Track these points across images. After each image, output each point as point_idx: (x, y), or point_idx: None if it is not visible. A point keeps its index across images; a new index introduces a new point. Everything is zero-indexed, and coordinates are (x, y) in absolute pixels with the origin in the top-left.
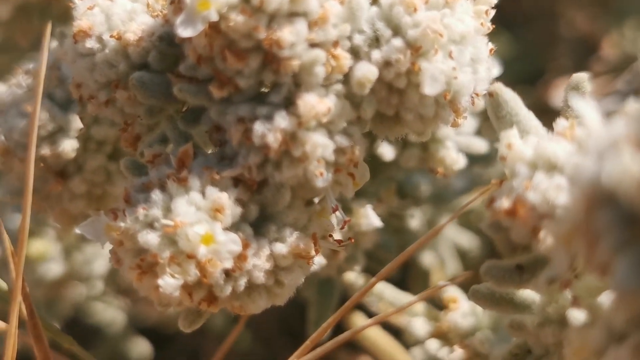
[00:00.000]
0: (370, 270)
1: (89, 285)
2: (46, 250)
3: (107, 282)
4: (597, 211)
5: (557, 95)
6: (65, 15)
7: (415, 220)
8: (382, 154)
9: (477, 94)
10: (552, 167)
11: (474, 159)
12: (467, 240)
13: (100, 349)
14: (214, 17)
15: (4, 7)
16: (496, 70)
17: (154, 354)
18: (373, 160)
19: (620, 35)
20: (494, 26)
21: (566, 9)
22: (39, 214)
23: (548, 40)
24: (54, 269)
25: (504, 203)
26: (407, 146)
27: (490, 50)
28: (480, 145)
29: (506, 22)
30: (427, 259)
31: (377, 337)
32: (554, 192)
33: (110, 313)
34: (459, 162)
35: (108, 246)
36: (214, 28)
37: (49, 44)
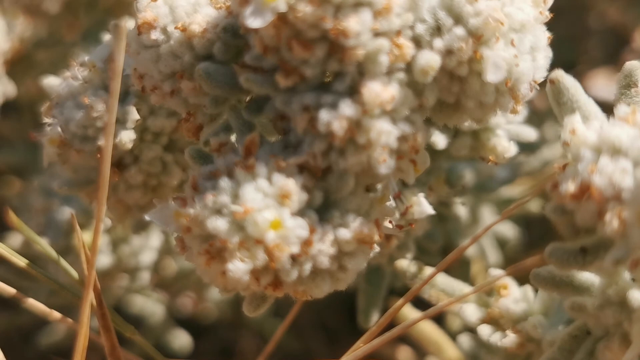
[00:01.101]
0: (416, 259)
1: (135, 277)
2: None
3: (151, 275)
4: None
5: (589, 86)
6: (112, 11)
7: (463, 208)
8: (434, 142)
9: (535, 82)
10: (616, 151)
11: (521, 148)
12: (506, 230)
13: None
14: (283, 8)
15: (53, 2)
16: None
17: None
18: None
19: None
20: (552, 14)
21: (597, 1)
22: (91, 204)
23: (579, 33)
24: (103, 260)
25: (570, 186)
26: (458, 135)
27: (548, 39)
28: (530, 134)
29: None
30: (469, 248)
31: (421, 325)
32: (620, 175)
33: (151, 306)
34: (510, 150)
35: (155, 239)
36: (281, 19)
37: (104, 37)
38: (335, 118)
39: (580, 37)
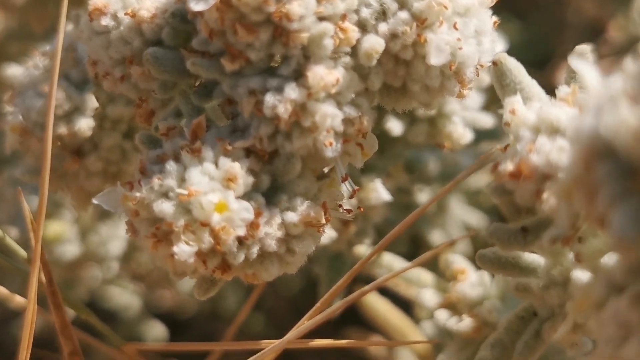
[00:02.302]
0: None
1: (104, 266)
2: (63, 232)
3: (122, 268)
4: (596, 164)
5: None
6: (80, 1)
7: (424, 194)
8: (390, 129)
9: (481, 65)
10: (554, 131)
11: (481, 135)
12: (476, 219)
13: (116, 332)
14: None
15: None
16: (501, 45)
17: (169, 339)
18: (382, 135)
19: (626, 18)
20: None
21: None
22: (56, 193)
23: (556, 26)
24: (71, 250)
25: (508, 166)
26: (415, 121)
27: (494, 23)
28: (486, 120)
29: (516, 10)
30: (437, 238)
31: (389, 313)
32: (557, 154)
33: (126, 297)
34: (466, 136)
35: (123, 228)
36: (225, 2)
37: (65, 27)
38: (281, 101)
39: (557, 30)
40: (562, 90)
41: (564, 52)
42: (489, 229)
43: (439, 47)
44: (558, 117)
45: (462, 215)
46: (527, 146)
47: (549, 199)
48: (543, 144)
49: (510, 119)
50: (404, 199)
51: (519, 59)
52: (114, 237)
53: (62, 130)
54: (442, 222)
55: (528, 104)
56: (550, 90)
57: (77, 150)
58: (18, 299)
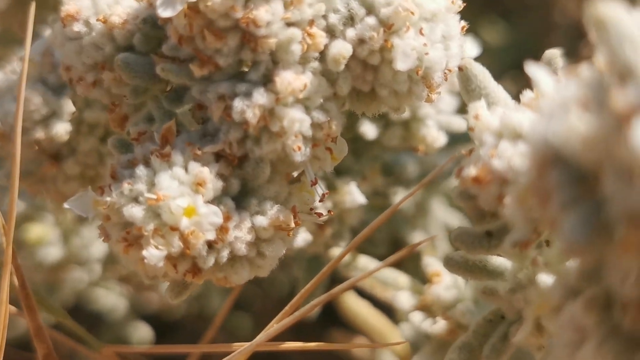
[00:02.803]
0: (360, 250)
1: (87, 269)
2: (45, 235)
3: (107, 269)
4: (547, 170)
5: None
6: (59, 5)
7: (398, 197)
8: (364, 132)
9: (449, 70)
10: (516, 136)
11: (457, 139)
12: (457, 221)
13: (101, 335)
14: None
15: None
16: (475, 50)
17: (156, 341)
18: (357, 139)
19: None
20: (465, 4)
21: None
22: (35, 197)
23: (543, 27)
24: (53, 253)
25: (472, 171)
26: (389, 125)
27: (462, 28)
28: (460, 124)
29: (502, 11)
30: (418, 239)
31: (368, 315)
32: (518, 159)
33: (112, 299)
34: (440, 139)
35: None
36: (193, 8)
37: (44, 32)
38: (249, 106)
39: (544, 32)
40: (526, 95)
41: None
42: (453, 232)
43: (405, 52)
44: (520, 122)
45: (444, 216)
46: (489, 151)
47: (510, 204)
48: (505, 149)
49: (474, 124)
50: (380, 202)
51: (505, 60)
52: (96, 240)
53: (40, 134)
54: (424, 224)
55: (492, 109)
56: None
57: (54, 155)
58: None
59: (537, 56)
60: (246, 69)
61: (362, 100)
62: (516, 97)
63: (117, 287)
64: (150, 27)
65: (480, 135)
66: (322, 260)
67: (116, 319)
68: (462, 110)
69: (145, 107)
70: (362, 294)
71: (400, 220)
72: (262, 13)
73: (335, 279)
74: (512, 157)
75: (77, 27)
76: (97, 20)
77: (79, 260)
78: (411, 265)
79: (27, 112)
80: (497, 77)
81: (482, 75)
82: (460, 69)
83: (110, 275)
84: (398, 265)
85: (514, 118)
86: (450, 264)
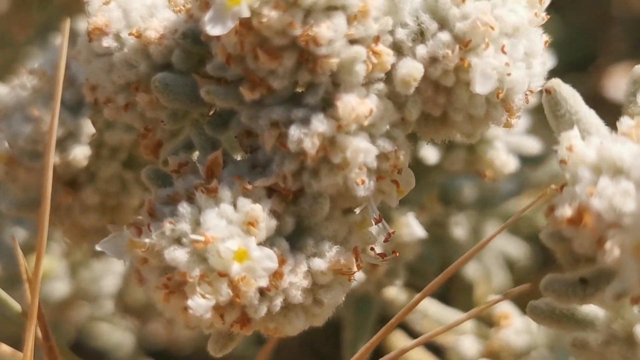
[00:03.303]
0: (411, 285)
1: (97, 305)
2: (51, 268)
3: (115, 302)
4: None
5: (611, 85)
6: (68, 7)
7: (460, 228)
8: (424, 157)
9: (531, 91)
10: (617, 171)
11: (524, 160)
12: (515, 248)
13: None
14: (246, 13)
15: None
16: (550, 62)
17: None
18: (415, 164)
19: None
20: (549, 16)
21: None
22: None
23: (600, 22)
24: (60, 288)
25: (567, 211)
26: (452, 148)
27: (545, 43)
28: (532, 146)
29: (554, 4)
30: (471, 269)
31: (419, 357)
32: (621, 198)
33: (118, 335)
34: (510, 164)
35: (118, 263)
36: (245, 25)
37: (55, 40)
38: (307, 135)
39: (601, 27)
40: (625, 123)
41: (610, 52)
42: (543, 281)
43: (484, 73)
44: (621, 156)
45: (501, 244)
46: (587, 189)
47: (613, 250)
48: (605, 187)
49: (567, 157)
50: (438, 232)
51: (558, 60)
52: (108, 273)
53: (55, 159)
54: (478, 253)
55: (586, 139)
56: (595, 97)
57: (71, 182)
58: (4, 348)
59: (594, 55)
60: (300, 90)
61: (431, 125)
62: None
63: (122, 322)
64: (191, 42)
65: (574, 169)
66: (372, 300)
67: (122, 356)
68: (533, 130)
69: (182, 132)
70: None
71: (454, 251)
72: (323, 30)
73: (383, 316)
74: (614, 196)
75: (107, 42)
76: (130, 34)
77: (88, 296)
78: (462, 298)
79: (39, 133)
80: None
81: (573, 98)
82: (547, 91)
83: (116, 308)
84: (448, 300)
85: (614, 150)
86: (535, 313)
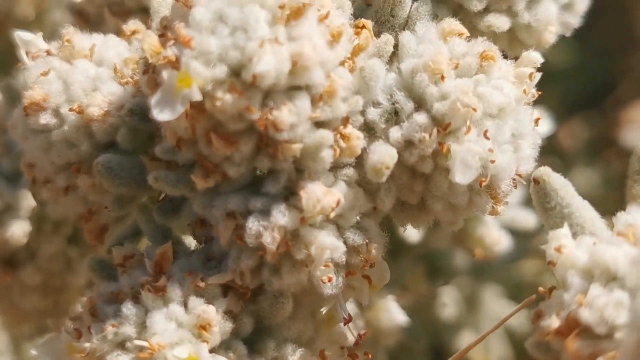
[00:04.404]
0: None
1: None
2: None
3: None
4: None
5: (630, 128)
6: (7, 55)
7: (448, 309)
8: (405, 235)
9: (520, 175)
10: (611, 278)
11: (523, 237)
12: (516, 316)
13: None
14: (197, 97)
15: None
16: (547, 126)
17: None
18: (394, 242)
19: None
20: (540, 93)
21: None
22: None
23: (621, 44)
24: None
25: (554, 322)
26: (437, 225)
27: (536, 121)
28: (528, 220)
29: None
30: (467, 339)
31: None
32: (614, 310)
33: None
34: (502, 242)
35: None
36: (196, 107)
37: None
38: (267, 228)
39: (623, 50)
40: (621, 220)
41: (631, 80)
42: None
43: (465, 161)
44: (615, 260)
45: (498, 310)
46: (576, 297)
47: None
48: (596, 296)
49: (556, 258)
50: (424, 314)
51: (570, 89)
52: None
53: None
54: (474, 321)
55: (578, 239)
56: (609, 139)
57: (8, 260)
58: None
59: (613, 83)
60: (261, 172)
61: (408, 212)
62: (592, 146)
63: None
64: (139, 119)
65: (563, 273)
66: None
67: None
68: (529, 202)
69: (130, 216)
70: None
71: (443, 323)
72: (284, 114)
73: None
74: (606, 306)
75: (45, 118)
76: (71, 110)
77: None
78: None
79: None
80: (563, 115)
81: (564, 189)
82: (535, 181)
83: None
84: None
85: (607, 253)
86: None
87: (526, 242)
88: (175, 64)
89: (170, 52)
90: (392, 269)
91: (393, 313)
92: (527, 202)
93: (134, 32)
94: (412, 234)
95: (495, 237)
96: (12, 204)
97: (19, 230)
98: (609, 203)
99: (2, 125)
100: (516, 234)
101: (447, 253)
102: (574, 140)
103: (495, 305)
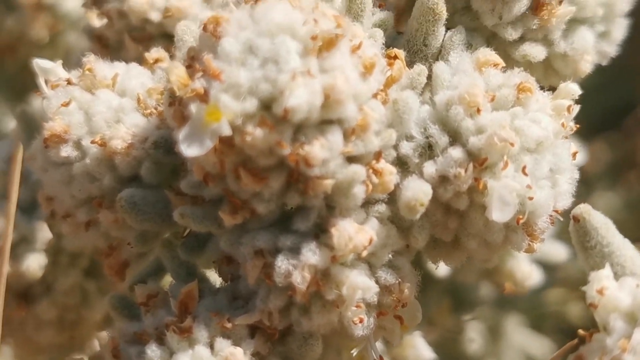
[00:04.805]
0: None
1: None
2: None
3: None
4: None
5: None
6: (21, 79)
7: (474, 344)
8: (433, 269)
9: (557, 211)
10: None
11: (555, 270)
12: (539, 346)
13: None
14: (227, 131)
15: None
16: (580, 159)
17: None
18: (422, 276)
19: None
20: (578, 126)
21: None
22: None
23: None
24: None
25: None
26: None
27: (574, 154)
28: (559, 254)
29: None
30: None
31: None
32: None
33: None
34: (533, 276)
35: None
36: (225, 142)
37: (7, 124)
38: (297, 267)
39: None
40: None
41: None
42: None
43: (503, 198)
44: None
45: (523, 342)
46: (619, 342)
47: None
48: None
49: (598, 300)
50: (449, 348)
51: (592, 108)
52: None
53: (5, 268)
54: (497, 352)
55: (620, 280)
56: (631, 162)
57: (23, 294)
58: None
59: (634, 102)
60: (290, 207)
61: (441, 249)
62: (613, 169)
63: None
64: (164, 152)
65: (605, 316)
66: None
67: None
68: (562, 235)
69: (152, 252)
70: None
71: (464, 354)
72: (316, 149)
73: None
74: None
75: (66, 150)
76: (93, 142)
77: None
78: None
79: None
80: (583, 136)
81: (605, 228)
82: (575, 219)
83: None
84: None
85: None
86: None
87: (551, 271)
88: (203, 97)
89: (199, 84)
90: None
91: (420, 349)
92: (558, 235)
93: (157, 60)
94: (440, 268)
95: (526, 271)
96: (27, 235)
97: (34, 263)
98: (631, 226)
99: (17, 155)
100: (543, 264)
101: (473, 285)
102: (595, 162)
103: (519, 335)
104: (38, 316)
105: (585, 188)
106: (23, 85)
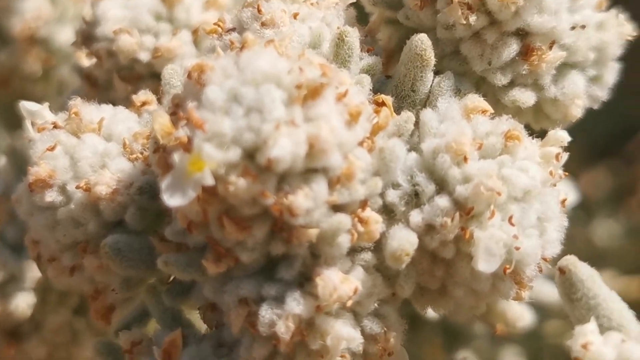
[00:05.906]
0: None
1: None
2: None
3: None
4: None
5: None
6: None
7: None
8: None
9: (545, 259)
10: None
11: (547, 311)
12: None
13: None
14: (209, 181)
15: None
16: (572, 199)
17: None
18: (412, 315)
19: None
20: (566, 174)
21: None
22: None
23: None
24: None
25: None
26: None
27: (563, 202)
28: (552, 294)
29: None
30: None
31: None
32: None
33: None
34: (525, 317)
35: None
36: (209, 191)
37: None
38: (281, 317)
39: None
40: None
41: None
42: None
43: (489, 249)
44: None
45: None
46: None
47: None
48: None
49: (582, 355)
50: None
51: (593, 130)
52: None
53: None
54: None
55: (606, 334)
56: (632, 188)
57: (12, 332)
58: None
59: (636, 126)
60: (274, 254)
61: (428, 297)
62: (613, 195)
63: None
64: (148, 198)
65: None
66: None
67: None
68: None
69: (138, 296)
70: None
71: None
72: (300, 199)
73: None
74: None
75: (51, 195)
76: (78, 187)
77: None
78: None
79: None
80: (585, 162)
81: (591, 280)
82: (561, 271)
83: None
84: None
85: (636, 353)
86: None
87: (547, 304)
88: (187, 146)
89: (182, 132)
90: (409, 342)
91: None
92: (552, 276)
93: (144, 103)
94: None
95: (517, 312)
96: (16, 274)
97: (23, 302)
98: (632, 254)
99: (6, 193)
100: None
101: (462, 327)
102: (596, 189)
103: None
104: (28, 354)
105: (586, 215)
106: (16, 118)
